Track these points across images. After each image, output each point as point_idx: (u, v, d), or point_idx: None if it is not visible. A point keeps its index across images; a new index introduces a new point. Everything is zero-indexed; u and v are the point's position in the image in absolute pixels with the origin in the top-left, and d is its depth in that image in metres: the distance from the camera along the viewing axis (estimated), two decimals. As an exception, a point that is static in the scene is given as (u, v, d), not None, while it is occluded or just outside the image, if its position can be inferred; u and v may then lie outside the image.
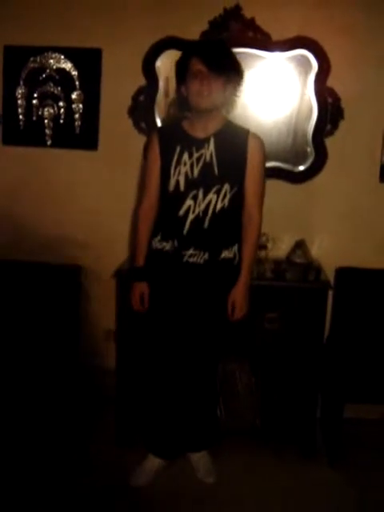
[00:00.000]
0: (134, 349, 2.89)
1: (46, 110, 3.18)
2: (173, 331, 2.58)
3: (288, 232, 3.17)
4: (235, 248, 2.52)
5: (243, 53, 3.00)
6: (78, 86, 3.15)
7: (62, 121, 3.19)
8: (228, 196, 2.44)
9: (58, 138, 3.22)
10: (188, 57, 2.38)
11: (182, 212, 2.45)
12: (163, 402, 2.70)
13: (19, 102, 3.18)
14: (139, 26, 3.06)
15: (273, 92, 3.09)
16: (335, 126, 3.07)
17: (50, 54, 3.12)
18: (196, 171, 2.43)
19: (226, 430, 2.94)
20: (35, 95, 3.17)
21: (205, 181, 2.43)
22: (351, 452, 2.97)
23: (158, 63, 3.08)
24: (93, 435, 3.04)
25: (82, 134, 3.20)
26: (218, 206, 2.43)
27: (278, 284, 2.87)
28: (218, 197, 2.43)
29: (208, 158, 2.43)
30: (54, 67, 3.13)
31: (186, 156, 2.44)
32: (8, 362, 3.10)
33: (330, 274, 3.07)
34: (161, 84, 3.10)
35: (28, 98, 3.18)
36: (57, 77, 3.15)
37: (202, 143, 2.44)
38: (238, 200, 2.48)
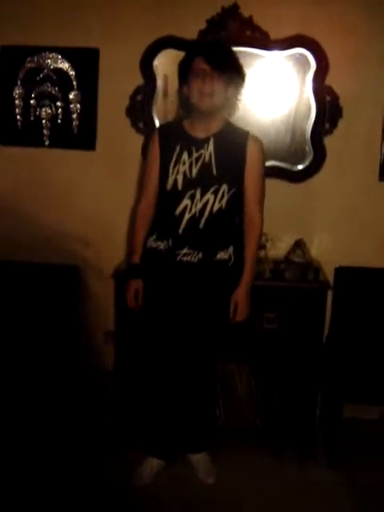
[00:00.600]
0: (132, 349, 2.89)
1: (43, 110, 3.17)
2: (169, 331, 2.58)
3: (287, 231, 3.16)
4: (231, 249, 2.51)
5: (241, 52, 2.97)
6: (75, 86, 3.14)
7: (59, 121, 3.18)
8: (226, 197, 2.43)
9: (55, 138, 3.21)
10: (191, 56, 2.39)
11: (178, 211, 2.45)
12: (161, 402, 2.69)
13: (17, 102, 3.17)
14: (136, 25, 3.06)
15: (271, 91, 3.08)
16: (334, 125, 3.06)
17: (47, 53, 3.11)
18: (194, 171, 2.43)
19: (225, 430, 2.94)
20: (33, 95, 3.16)
21: (203, 181, 2.43)
22: (350, 452, 2.96)
23: (156, 62, 3.07)
24: (92, 436, 3.03)
25: (79, 134, 3.19)
26: (215, 207, 2.43)
27: (277, 284, 2.87)
28: (215, 197, 2.43)
29: (207, 158, 2.43)
30: (52, 67, 3.12)
31: (185, 155, 2.44)
32: (7, 362, 3.09)
33: (329, 274, 3.07)
34: (159, 83, 3.09)
35: (25, 98, 3.17)
36: (54, 77, 3.13)
37: (201, 143, 2.44)
38: (235, 201, 2.47)
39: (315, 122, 3.05)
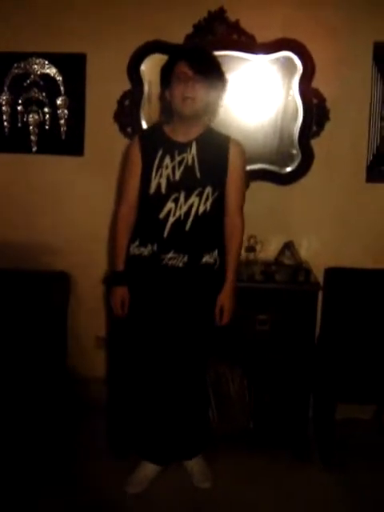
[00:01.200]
0: (124, 355, 2.87)
1: (30, 116, 3.16)
2: (157, 336, 2.57)
3: (276, 234, 3.17)
4: (216, 253, 2.52)
5: (228, 55, 3.02)
6: (62, 92, 3.14)
7: (47, 127, 3.17)
8: (210, 199, 2.45)
9: (43, 144, 3.20)
10: (173, 61, 2.41)
11: (162, 214, 2.45)
12: (154, 407, 2.68)
13: (4, 108, 3.17)
14: (123, 30, 3.07)
15: (258, 94, 3.10)
16: (321, 127, 3.09)
17: (33, 59, 3.11)
18: (178, 174, 2.44)
19: (219, 433, 2.93)
20: (20, 101, 3.15)
21: (186, 184, 2.44)
22: (344, 453, 2.96)
23: (143, 67, 3.08)
24: (83, 444, 3.01)
25: (67, 140, 3.19)
26: (201, 209, 2.44)
27: (268, 286, 2.87)
28: (200, 200, 2.44)
29: (190, 161, 2.44)
30: (39, 73, 3.12)
31: (167, 159, 2.44)
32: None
33: (318, 275, 3.08)
34: (146, 88, 3.09)
35: (12, 104, 3.16)
36: (41, 82, 3.13)
37: (183, 147, 2.45)
38: (219, 205, 2.49)
39: (302, 124, 3.07)
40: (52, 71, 3.11)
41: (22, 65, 3.12)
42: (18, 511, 2.53)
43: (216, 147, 2.49)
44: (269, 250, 3.15)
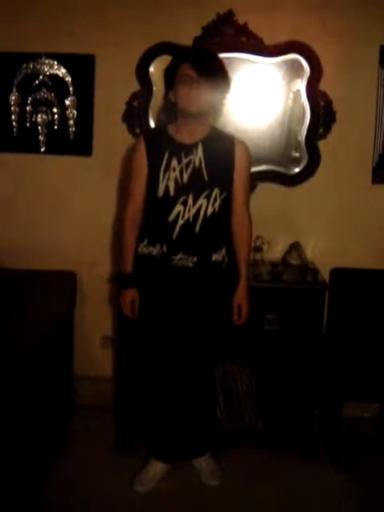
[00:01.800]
0: (133, 354, 2.88)
1: (39, 116, 3.17)
2: (168, 336, 2.59)
3: (283, 234, 3.19)
4: (224, 251, 2.54)
5: (236, 58, 3.05)
6: (71, 92, 3.15)
7: (55, 127, 3.18)
8: (218, 201, 2.46)
9: (51, 145, 3.21)
10: (178, 62, 2.43)
11: (171, 217, 2.46)
12: (163, 405, 2.70)
13: (12, 108, 3.17)
14: (132, 31, 3.08)
15: (266, 96, 3.12)
16: (328, 130, 3.12)
17: (43, 59, 3.12)
18: (185, 177, 2.44)
19: (227, 431, 2.95)
20: (29, 101, 3.16)
21: (194, 186, 2.45)
22: (351, 451, 2.99)
23: (152, 69, 3.09)
24: (89, 442, 3.02)
25: (75, 140, 3.20)
26: (209, 211, 2.45)
27: (276, 286, 2.90)
28: (208, 202, 2.45)
29: (197, 163, 2.45)
30: (48, 73, 3.13)
31: (175, 162, 2.45)
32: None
33: (324, 275, 3.11)
34: (155, 89, 3.10)
35: (21, 104, 3.16)
36: (50, 83, 3.14)
37: (190, 149, 2.46)
38: (227, 204, 2.51)
39: (309, 126, 3.10)
40: (61, 72, 3.12)
41: (32, 65, 3.12)
42: (21, 509, 2.53)
43: (222, 147, 2.50)
44: (276, 251, 3.17)
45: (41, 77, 3.14)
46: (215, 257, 2.52)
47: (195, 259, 2.49)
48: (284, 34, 3.03)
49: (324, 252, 3.22)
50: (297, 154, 3.18)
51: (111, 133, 3.19)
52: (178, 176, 2.44)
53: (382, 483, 2.77)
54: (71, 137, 3.19)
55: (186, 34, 3.03)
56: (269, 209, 3.13)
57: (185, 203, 2.44)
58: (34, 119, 3.18)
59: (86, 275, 3.31)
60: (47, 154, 3.23)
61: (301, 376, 2.90)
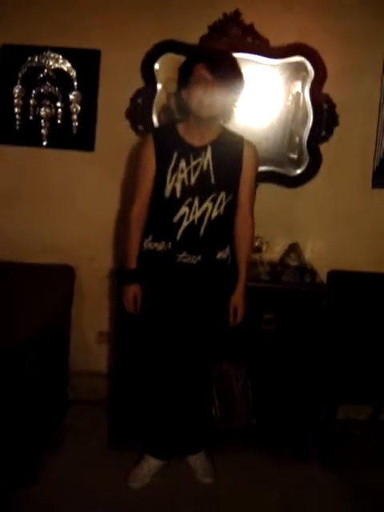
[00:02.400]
0: (130, 350, 2.89)
1: (42, 109, 3.16)
2: (168, 332, 2.60)
3: (282, 235, 3.21)
4: (228, 249, 2.55)
5: (241, 58, 3.02)
6: (75, 87, 3.14)
7: (59, 121, 3.17)
8: (223, 204, 2.47)
9: (54, 139, 3.20)
10: (193, 62, 2.40)
11: (176, 218, 2.46)
12: (159, 401, 2.71)
13: (16, 101, 3.16)
14: (139, 28, 3.08)
15: (270, 97, 3.14)
16: (330, 132, 3.13)
17: (48, 53, 3.11)
18: (193, 179, 2.44)
19: (221, 430, 2.97)
20: (32, 95, 3.15)
21: (201, 189, 2.45)
22: (343, 452, 3.01)
23: (157, 66, 3.09)
24: (83, 438, 3.02)
25: (78, 135, 3.19)
26: (214, 214, 2.46)
27: (275, 286, 2.92)
28: (214, 205, 2.45)
29: (205, 166, 2.45)
30: (52, 67, 3.12)
31: (183, 163, 2.44)
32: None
33: (322, 277, 3.12)
34: (159, 87, 3.11)
35: (25, 97, 3.15)
36: (55, 77, 3.13)
37: (199, 151, 2.45)
38: (232, 206, 2.51)
39: (312, 128, 3.11)
40: (66, 66, 3.12)
41: (36, 58, 3.11)
42: (17, 506, 2.52)
43: (230, 150, 2.49)
44: (274, 251, 3.19)
45: (45, 70, 3.13)
46: (220, 255, 2.53)
47: (199, 258, 2.50)
48: (290, 36, 3.04)
49: (322, 254, 3.23)
50: (298, 156, 3.20)
51: (114, 129, 3.19)
52: (186, 178, 2.44)
53: (372, 484, 2.80)
54: (74, 131, 3.19)
55: (193, 33, 3.03)
56: (269, 209, 3.13)
57: (190, 205, 2.45)
58: (37, 113, 3.17)
59: (84, 270, 3.30)
60: (49, 148, 3.22)
61: (296, 377, 2.92)
